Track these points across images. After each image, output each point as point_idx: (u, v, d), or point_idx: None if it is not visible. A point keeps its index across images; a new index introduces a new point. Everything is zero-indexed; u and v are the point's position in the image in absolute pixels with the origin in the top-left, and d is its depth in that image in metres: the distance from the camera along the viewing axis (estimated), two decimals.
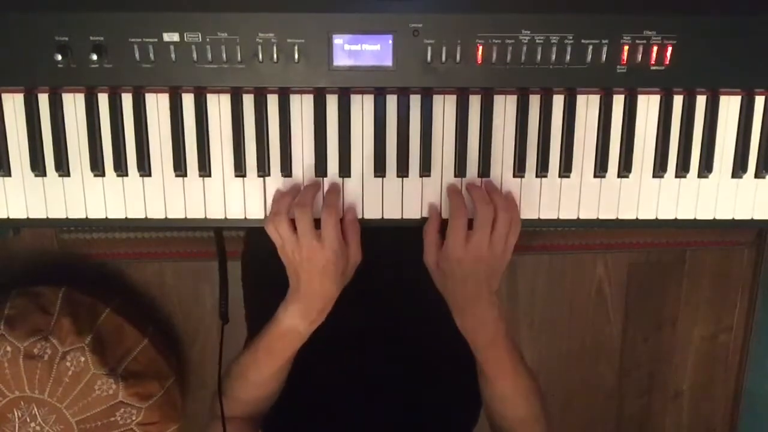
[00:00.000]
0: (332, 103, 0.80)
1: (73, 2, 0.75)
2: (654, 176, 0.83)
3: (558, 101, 0.80)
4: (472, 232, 0.77)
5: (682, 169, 0.82)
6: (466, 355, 1.03)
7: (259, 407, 0.91)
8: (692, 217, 0.84)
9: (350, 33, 0.75)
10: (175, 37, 0.75)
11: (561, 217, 0.83)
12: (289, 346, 0.84)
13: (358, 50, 0.76)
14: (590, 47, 0.76)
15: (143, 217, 0.82)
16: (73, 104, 0.80)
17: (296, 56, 0.76)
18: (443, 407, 0.96)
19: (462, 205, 0.79)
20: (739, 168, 0.83)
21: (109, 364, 1.43)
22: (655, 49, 0.77)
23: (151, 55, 0.76)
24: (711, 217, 0.84)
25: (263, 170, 0.81)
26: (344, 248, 0.79)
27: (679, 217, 0.84)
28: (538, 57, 0.76)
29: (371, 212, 0.83)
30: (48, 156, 0.80)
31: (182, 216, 0.82)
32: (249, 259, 1.13)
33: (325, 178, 0.81)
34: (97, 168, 0.80)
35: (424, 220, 0.83)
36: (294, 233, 0.77)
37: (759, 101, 0.81)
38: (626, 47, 0.76)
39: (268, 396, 0.90)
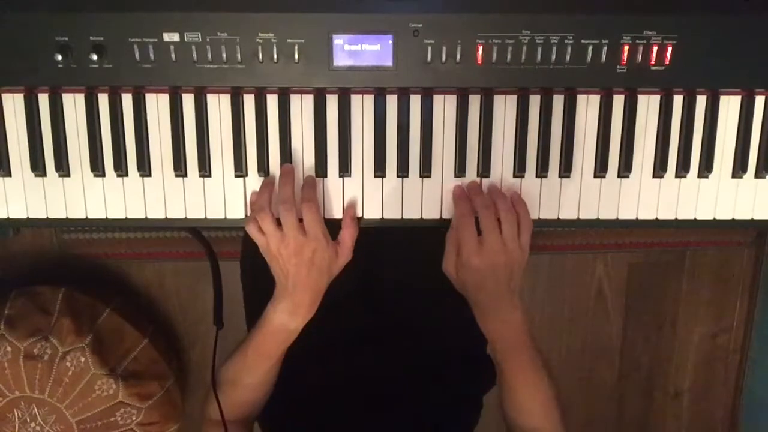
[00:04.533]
0: (332, 103, 0.80)
1: (73, 2, 0.75)
2: (654, 176, 0.83)
3: (558, 101, 0.80)
4: (482, 239, 0.77)
5: (682, 169, 0.82)
6: (466, 356, 1.03)
7: (251, 407, 0.91)
8: (692, 217, 0.84)
9: (350, 33, 0.75)
10: (175, 37, 0.75)
11: (561, 217, 0.83)
12: (279, 344, 0.83)
13: (358, 50, 0.76)
14: (590, 47, 0.76)
15: (143, 217, 0.82)
16: (73, 104, 0.80)
17: (296, 56, 0.76)
18: (443, 408, 0.96)
19: (468, 212, 0.79)
20: (739, 168, 0.83)
21: (109, 364, 1.42)
22: (655, 49, 0.77)
23: (151, 55, 0.76)
24: (711, 217, 0.84)
25: (263, 170, 0.81)
26: (329, 240, 0.79)
27: (679, 217, 0.84)
28: (538, 57, 0.76)
29: (371, 212, 0.83)
30: (48, 156, 0.80)
31: (182, 216, 0.82)
32: (248, 259, 1.13)
33: (325, 179, 0.81)
34: (97, 168, 0.80)
35: (424, 220, 0.83)
36: (279, 229, 0.77)
37: (759, 101, 0.81)
38: (626, 47, 0.76)
39: (260, 396, 0.90)
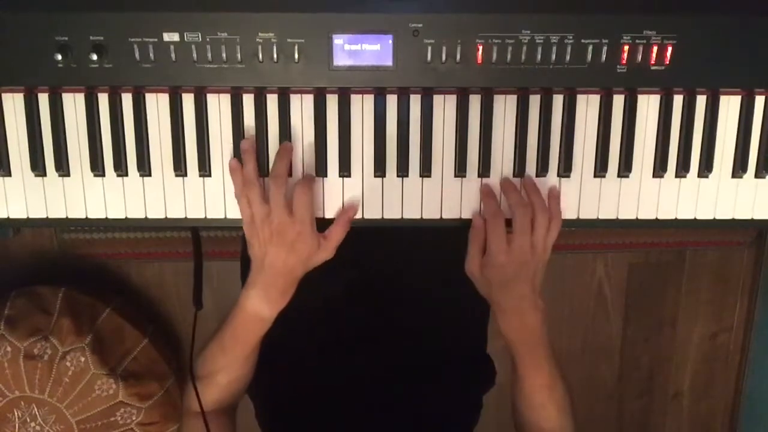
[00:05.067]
0: (332, 103, 0.80)
1: (73, 2, 0.75)
2: (654, 176, 0.83)
3: (558, 101, 0.80)
4: (512, 237, 0.77)
5: (682, 169, 0.82)
6: (466, 356, 1.03)
7: (230, 396, 0.89)
8: (692, 217, 0.84)
9: (350, 33, 0.75)
10: (175, 37, 0.75)
11: (561, 217, 0.83)
12: (254, 332, 0.82)
13: (358, 50, 0.76)
14: (590, 47, 0.76)
15: (143, 217, 0.82)
16: (73, 104, 0.80)
17: (296, 56, 0.76)
18: (443, 408, 0.96)
19: (498, 210, 0.79)
20: (739, 168, 0.83)
21: (109, 364, 1.42)
22: (655, 49, 0.77)
23: (151, 55, 0.76)
24: (711, 217, 0.84)
25: (263, 170, 0.81)
26: (315, 227, 0.78)
27: (679, 217, 0.84)
28: (538, 57, 0.76)
29: (371, 212, 0.82)
30: (48, 156, 0.80)
31: (182, 216, 0.82)
32: (248, 260, 1.13)
33: (325, 179, 0.81)
34: (97, 168, 0.80)
35: (424, 220, 0.83)
36: (266, 204, 0.76)
37: (759, 101, 0.81)
38: (626, 47, 0.76)
39: (238, 385, 0.89)
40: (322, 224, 0.80)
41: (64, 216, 0.82)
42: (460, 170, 0.81)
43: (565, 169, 0.82)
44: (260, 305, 0.80)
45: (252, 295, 0.80)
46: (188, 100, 0.80)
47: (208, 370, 0.86)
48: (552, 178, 0.82)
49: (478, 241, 0.80)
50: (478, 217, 0.81)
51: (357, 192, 0.82)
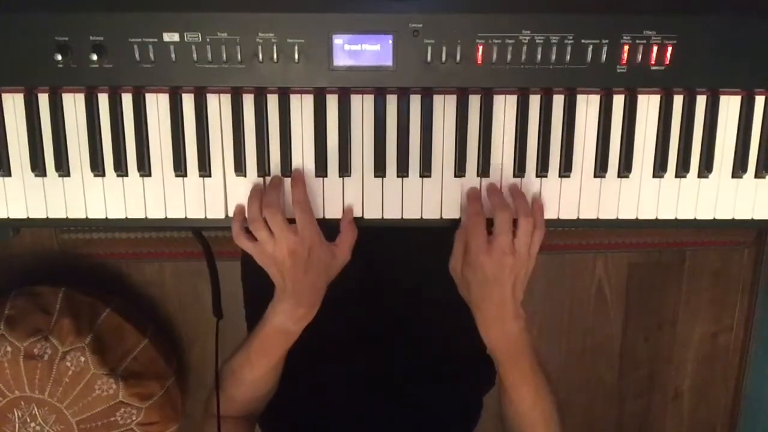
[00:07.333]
0: (332, 103, 0.80)
1: (73, 2, 0.75)
2: (654, 176, 0.83)
3: (558, 101, 0.80)
4: (493, 238, 0.77)
5: (682, 169, 0.82)
6: (466, 356, 1.03)
7: (253, 406, 0.91)
8: (692, 217, 0.84)
9: (350, 33, 0.75)
10: (175, 37, 0.75)
11: (561, 217, 0.83)
12: (281, 345, 0.84)
13: (358, 50, 0.76)
14: (590, 47, 0.76)
15: (143, 217, 0.82)
16: (73, 104, 0.79)
17: (296, 56, 0.76)
18: (443, 408, 0.96)
19: (480, 211, 0.79)
20: (739, 168, 0.83)
21: (109, 364, 1.43)
22: (655, 49, 0.77)
23: (151, 55, 0.76)
24: (711, 217, 0.84)
25: (263, 170, 0.81)
26: (324, 240, 0.79)
27: (679, 217, 0.84)
28: (538, 57, 0.76)
29: (371, 212, 0.83)
30: (48, 156, 0.80)
31: (182, 216, 0.82)
32: (249, 259, 1.13)
33: (325, 179, 0.81)
34: (97, 168, 0.80)
35: (424, 220, 0.83)
36: (271, 235, 0.77)
37: (759, 101, 0.81)
38: (626, 47, 0.76)
39: (262, 395, 0.90)
40: (323, 224, 0.80)
41: (64, 216, 0.82)
42: (460, 170, 0.81)
43: (565, 169, 0.82)
44: (287, 321, 0.81)
45: (279, 311, 0.81)
46: (188, 100, 0.80)
47: (233, 378, 0.88)
48: (552, 178, 0.82)
49: (462, 239, 0.80)
50: (465, 219, 0.81)
51: (357, 192, 0.82)
